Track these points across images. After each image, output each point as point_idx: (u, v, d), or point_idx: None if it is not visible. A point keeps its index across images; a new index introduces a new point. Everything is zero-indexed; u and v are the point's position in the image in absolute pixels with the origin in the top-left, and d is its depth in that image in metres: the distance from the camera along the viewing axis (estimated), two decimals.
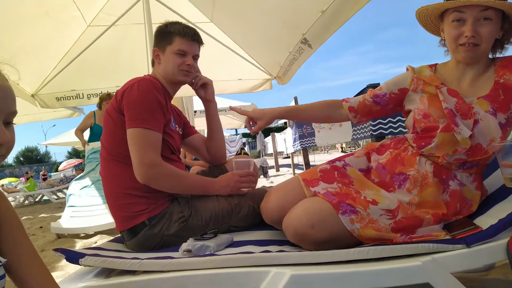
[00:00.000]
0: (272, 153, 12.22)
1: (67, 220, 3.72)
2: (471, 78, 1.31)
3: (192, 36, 1.63)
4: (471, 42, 1.21)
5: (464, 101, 1.25)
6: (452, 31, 1.25)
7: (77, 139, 5.11)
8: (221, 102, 8.02)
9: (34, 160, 44.17)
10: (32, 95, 4.18)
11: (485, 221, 1.18)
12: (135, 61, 4.09)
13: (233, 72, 4.59)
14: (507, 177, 1.09)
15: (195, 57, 1.67)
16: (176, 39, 1.60)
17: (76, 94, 4.39)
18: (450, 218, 1.25)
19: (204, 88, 1.78)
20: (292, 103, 9.38)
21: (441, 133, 1.25)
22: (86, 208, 3.77)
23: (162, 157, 1.49)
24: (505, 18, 1.24)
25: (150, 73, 1.72)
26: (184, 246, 1.24)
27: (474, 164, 1.28)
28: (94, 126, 4.85)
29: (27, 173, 12.16)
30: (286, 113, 1.60)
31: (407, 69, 1.43)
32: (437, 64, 1.42)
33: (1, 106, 0.73)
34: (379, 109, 1.47)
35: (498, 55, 1.33)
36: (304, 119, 1.56)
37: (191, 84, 1.76)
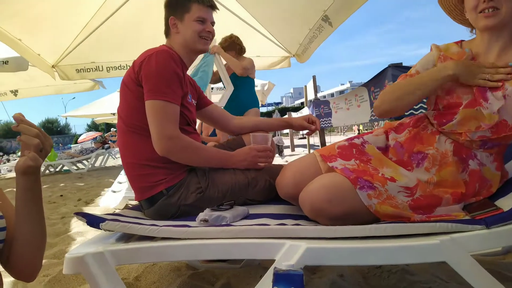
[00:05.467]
0: (287, 133, 12.17)
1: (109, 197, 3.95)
2: (497, 51, 1.27)
3: (209, 2, 1.62)
4: (490, 6, 1.20)
5: None
6: (470, 1, 1.25)
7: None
8: None
9: (54, 132, 45.10)
10: (53, 66, 4.22)
11: (506, 203, 1.16)
12: (155, 34, 4.03)
13: (252, 49, 4.51)
14: None
15: (212, 23, 1.67)
16: (194, 6, 1.59)
17: (96, 67, 4.40)
18: (469, 199, 1.23)
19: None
20: (311, 83, 9.25)
21: (464, 109, 1.22)
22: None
23: (179, 129, 1.49)
24: None
25: (165, 43, 1.71)
26: (201, 216, 1.26)
27: (495, 144, 1.25)
28: None
29: None
30: None
31: (431, 49, 1.39)
32: (462, 41, 1.38)
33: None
34: None
35: None
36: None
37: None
